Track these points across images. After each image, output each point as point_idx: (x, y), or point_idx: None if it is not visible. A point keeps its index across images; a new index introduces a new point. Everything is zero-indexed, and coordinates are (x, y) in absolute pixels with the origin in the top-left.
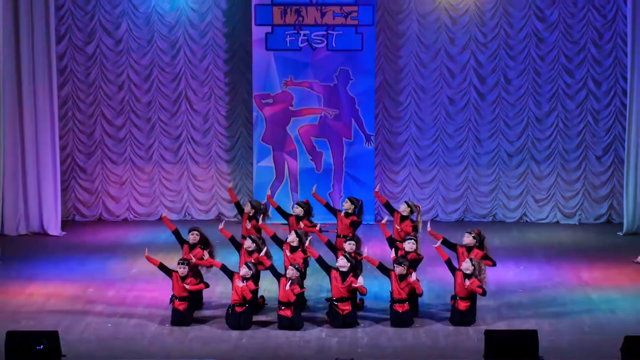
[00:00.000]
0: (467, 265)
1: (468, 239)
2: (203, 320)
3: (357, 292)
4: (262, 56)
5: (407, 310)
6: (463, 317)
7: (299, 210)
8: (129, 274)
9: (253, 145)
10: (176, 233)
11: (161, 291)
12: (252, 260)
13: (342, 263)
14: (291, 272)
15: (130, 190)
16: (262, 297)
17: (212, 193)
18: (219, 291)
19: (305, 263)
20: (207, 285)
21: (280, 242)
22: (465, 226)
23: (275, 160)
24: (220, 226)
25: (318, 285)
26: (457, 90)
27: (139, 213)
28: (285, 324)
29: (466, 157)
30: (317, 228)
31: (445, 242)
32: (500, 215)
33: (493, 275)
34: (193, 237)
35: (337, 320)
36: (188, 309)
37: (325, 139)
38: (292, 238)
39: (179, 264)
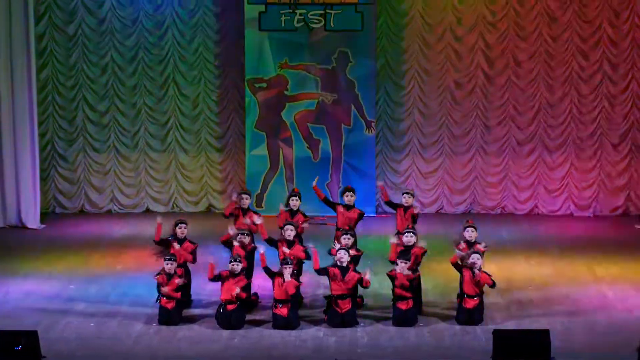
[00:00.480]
0: (474, 261)
1: (473, 234)
2: (192, 319)
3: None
4: (255, 37)
5: (412, 308)
6: (470, 316)
7: (297, 203)
8: (112, 269)
9: (245, 133)
10: (159, 242)
11: (147, 288)
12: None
13: (341, 257)
14: (287, 269)
15: (114, 180)
16: (255, 294)
17: (202, 184)
18: (209, 288)
19: (307, 256)
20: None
21: (275, 243)
22: (473, 219)
23: (269, 149)
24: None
25: (315, 282)
26: (464, 74)
27: (123, 205)
28: (280, 323)
29: (473, 145)
30: (307, 225)
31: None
32: (510, 207)
33: (502, 271)
34: (181, 231)
35: (336, 318)
36: (176, 307)
37: (322, 125)
38: (289, 233)
39: (165, 260)
